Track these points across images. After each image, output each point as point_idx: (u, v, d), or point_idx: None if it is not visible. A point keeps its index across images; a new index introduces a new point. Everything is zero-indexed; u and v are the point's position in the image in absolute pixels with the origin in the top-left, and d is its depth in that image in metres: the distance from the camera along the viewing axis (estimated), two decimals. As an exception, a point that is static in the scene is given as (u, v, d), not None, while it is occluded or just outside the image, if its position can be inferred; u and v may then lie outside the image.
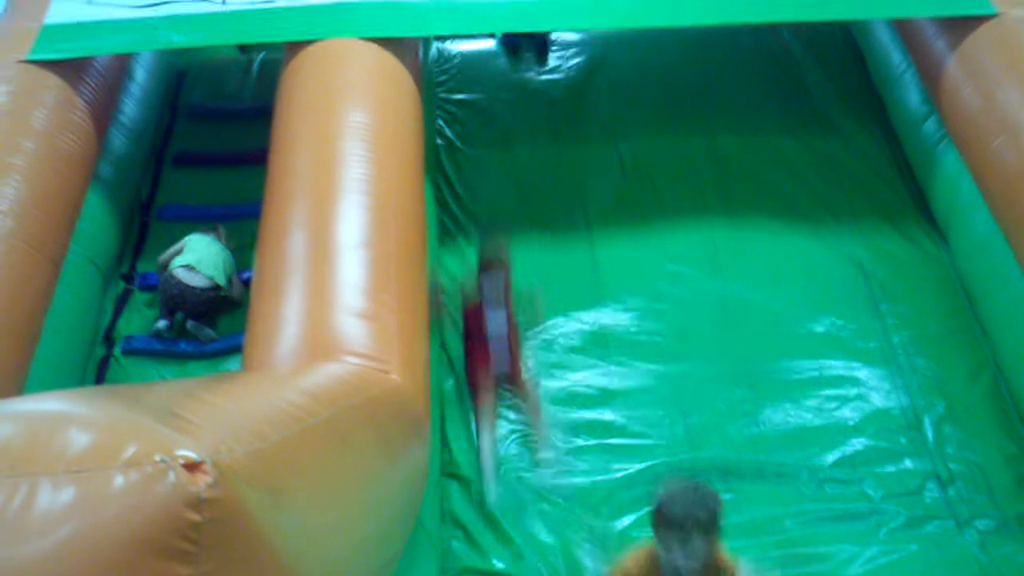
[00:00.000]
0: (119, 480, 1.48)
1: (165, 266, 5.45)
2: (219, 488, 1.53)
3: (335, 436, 2.60)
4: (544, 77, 6.93)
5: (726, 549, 3.61)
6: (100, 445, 1.52)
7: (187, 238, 5.50)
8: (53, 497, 1.42)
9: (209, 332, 5.34)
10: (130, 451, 1.50)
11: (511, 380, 5.04)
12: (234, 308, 5.46)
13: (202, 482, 1.52)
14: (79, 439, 1.50)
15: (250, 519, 1.65)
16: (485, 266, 5.13)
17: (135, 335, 5.39)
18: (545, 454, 4.84)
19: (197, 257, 5.38)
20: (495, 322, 5.03)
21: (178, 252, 5.44)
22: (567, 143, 6.42)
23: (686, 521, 3.19)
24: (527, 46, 6.93)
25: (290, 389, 2.82)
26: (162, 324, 5.32)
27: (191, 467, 1.51)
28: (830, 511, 4.68)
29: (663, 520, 3.26)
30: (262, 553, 1.65)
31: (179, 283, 5.29)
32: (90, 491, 1.47)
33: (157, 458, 1.50)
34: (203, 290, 5.31)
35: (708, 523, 3.24)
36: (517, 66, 6.91)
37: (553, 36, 7.07)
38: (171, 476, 1.50)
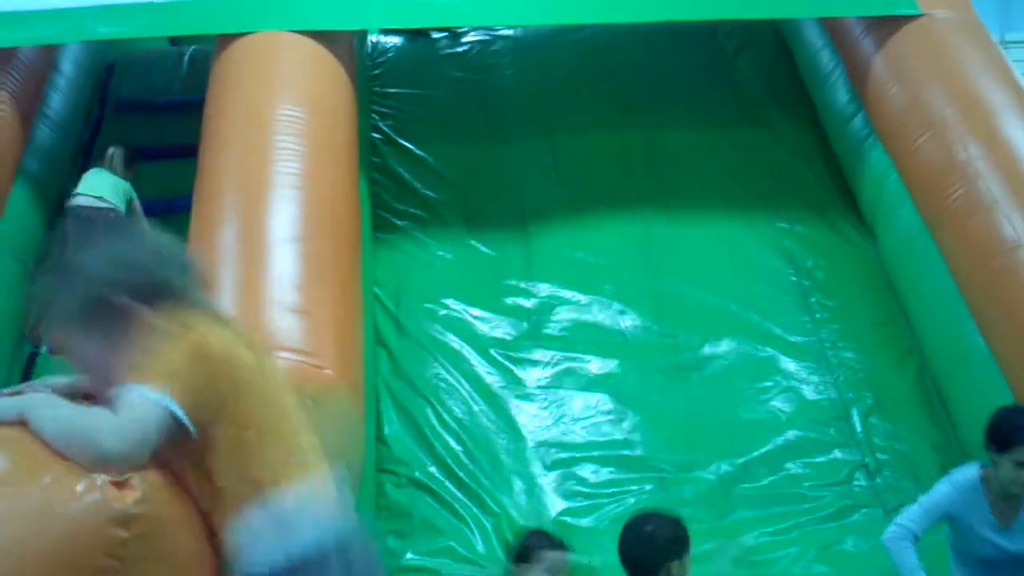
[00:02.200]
0: (43, 496, 1.47)
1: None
2: (147, 504, 1.52)
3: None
4: (481, 75, 6.87)
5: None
6: (23, 462, 1.50)
7: (83, 175, 5.47)
8: (-26, 516, 1.40)
9: None
10: (55, 467, 1.48)
11: None
12: None
13: (130, 498, 1.50)
14: (0, 458, 1.47)
15: (179, 535, 1.64)
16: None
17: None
18: None
19: (87, 186, 5.38)
20: None
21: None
22: (503, 138, 6.42)
23: None
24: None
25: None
26: None
27: (118, 483, 1.50)
28: (762, 500, 4.77)
29: None
30: (192, 570, 1.64)
31: (82, 210, 5.25)
32: (13, 507, 1.45)
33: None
34: (102, 210, 5.28)
35: None
36: None
37: None
38: (97, 492, 1.48)
